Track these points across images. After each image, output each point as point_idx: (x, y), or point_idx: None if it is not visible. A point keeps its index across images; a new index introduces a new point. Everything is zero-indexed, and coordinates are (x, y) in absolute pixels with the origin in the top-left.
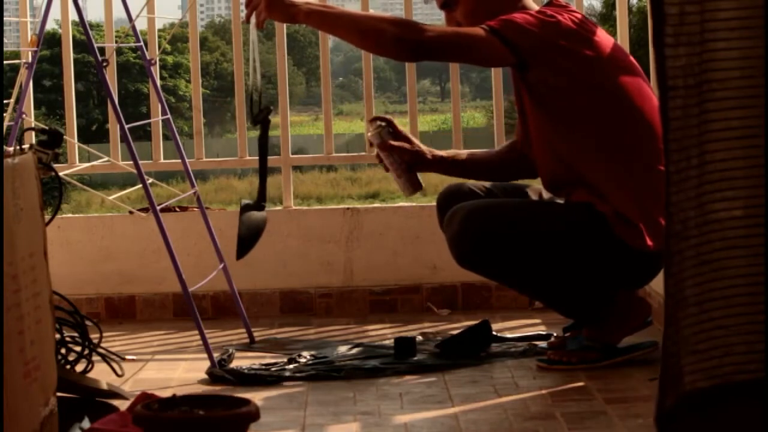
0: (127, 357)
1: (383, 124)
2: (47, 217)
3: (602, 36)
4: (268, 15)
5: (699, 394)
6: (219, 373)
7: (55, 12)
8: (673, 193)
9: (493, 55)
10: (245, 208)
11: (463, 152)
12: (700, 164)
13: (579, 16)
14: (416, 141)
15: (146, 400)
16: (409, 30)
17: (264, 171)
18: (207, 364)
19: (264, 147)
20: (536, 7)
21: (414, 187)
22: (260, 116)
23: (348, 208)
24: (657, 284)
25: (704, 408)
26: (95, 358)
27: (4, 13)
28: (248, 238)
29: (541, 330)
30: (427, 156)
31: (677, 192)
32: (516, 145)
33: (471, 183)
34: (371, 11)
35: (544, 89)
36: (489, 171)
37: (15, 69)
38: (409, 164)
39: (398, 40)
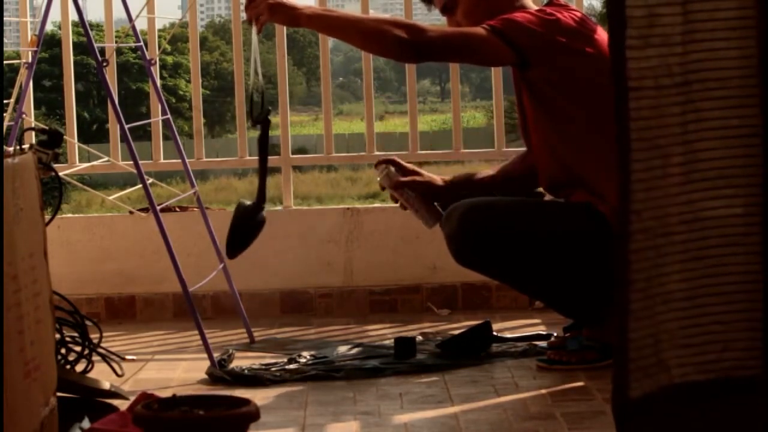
0: (127, 357)
1: (389, 165)
2: (47, 217)
3: (602, 34)
4: (270, 18)
5: (692, 387)
6: (219, 373)
7: (55, 12)
8: (639, 191)
9: (495, 55)
10: (239, 208)
11: (473, 172)
12: (687, 162)
13: (579, 14)
14: (425, 172)
15: (146, 400)
16: (411, 31)
17: (264, 171)
18: (207, 364)
19: (264, 148)
20: (535, 7)
21: (435, 217)
22: (260, 117)
23: (348, 208)
24: None
25: (697, 401)
26: (95, 358)
27: (4, 13)
28: (236, 236)
29: (541, 330)
30: (438, 183)
31: (648, 189)
32: (528, 156)
33: None
34: (371, 12)
35: (544, 88)
36: (502, 187)
37: (15, 69)
38: (424, 196)
39: (401, 42)
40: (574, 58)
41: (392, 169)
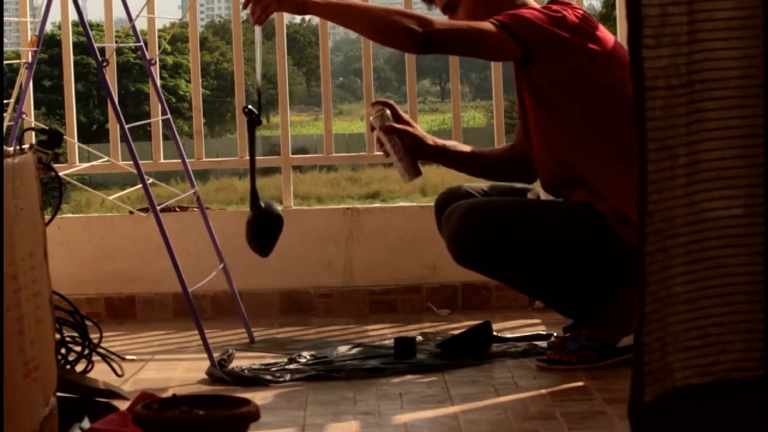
0: (127, 357)
1: (385, 107)
2: (47, 217)
3: (605, 32)
4: (278, 7)
5: (692, 390)
6: (219, 373)
7: (55, 12)
8: (653, 192)
9: (502, 49)
10: (269, 208)
11: (464, 145)
12: (690, 163)
13: (581, 12)
14: (417, 126)
15: (146, 400)
16: (420, 22)
17: (253, 172)
18: (207, 364)
19: (252, 147)
20: (537, 5)
21: (414, 171)
22: (251, 117)
23: (348, 208)
24: None
25: (698, 404)
26: (95, 358)
27: (4, 13)
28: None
29: (541, 330)
30: (428, 141)
31: (660, 191)
32: (516, 146)
33: (468, 185)
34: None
35: (546, 86)
36: (487, 167)
37: (15, 69)
38: (409, 148)
39: (409, 32)
40: (579, 54)
41: (387, 112)
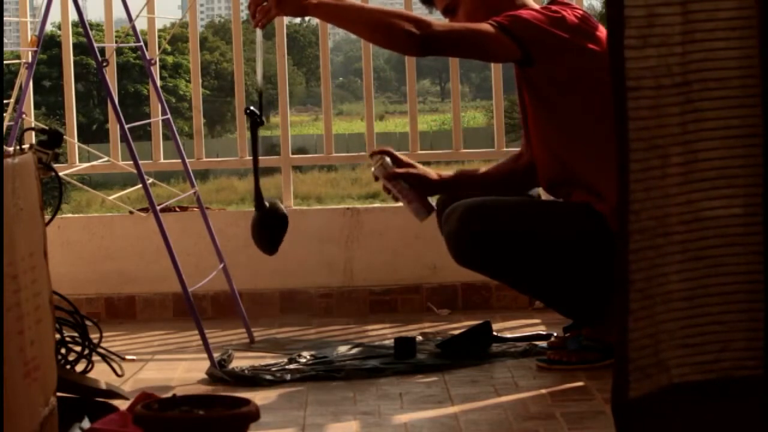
0: (127, 357)
1: (384, 155)
2: (47, 217)
3: (604, 33)
4: (279, 11)
5: (691, 388)
6: (219, 373)
7: (55, 12)
8: (638, 191)
9: (501, 50)
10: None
11: (468, 169)
12: (686, 162)
13: (581, 12)
14: (419, 165)
15: (146, 400)
16: (419, 25)
17: (256, 173)
18: (207, 364)
19: (255, 149)
20: (537, 6)
21: (427, 210)
22: (253, 118)
23: (348, 208)
24: None
25: (697, 402)
26: (95, 358)
27: (4, 13)
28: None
29: (541, 330)
30: (433, 178)
31: (647, 189)
32: (522, 155)
33: None
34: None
35: (546, 85)
36: (497, 186)
37: (14, 71)
38: (417, 188)
39: (408, 35)
40: (579, 55)
41: (387, 159)
